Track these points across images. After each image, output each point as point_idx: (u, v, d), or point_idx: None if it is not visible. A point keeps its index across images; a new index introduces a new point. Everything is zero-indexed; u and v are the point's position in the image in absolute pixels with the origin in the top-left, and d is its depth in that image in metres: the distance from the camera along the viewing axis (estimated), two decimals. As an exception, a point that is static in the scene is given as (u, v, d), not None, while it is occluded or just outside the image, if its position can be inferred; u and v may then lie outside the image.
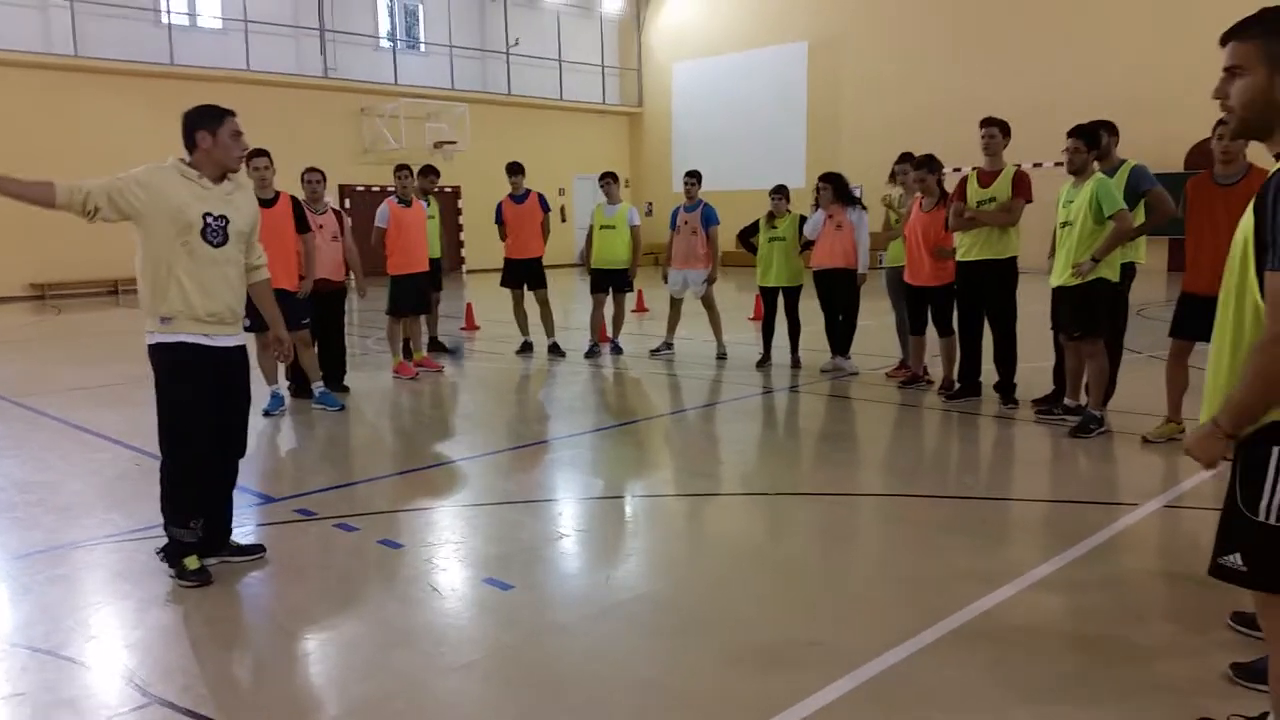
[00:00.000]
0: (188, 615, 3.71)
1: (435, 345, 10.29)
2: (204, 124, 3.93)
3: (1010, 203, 6.84)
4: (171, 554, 4.04)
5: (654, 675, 3.16)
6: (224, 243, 3.97)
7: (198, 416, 3.98)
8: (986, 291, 7.04)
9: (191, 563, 4.00)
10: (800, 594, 3.87)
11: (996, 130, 6.98)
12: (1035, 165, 7.52)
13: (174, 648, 3.43)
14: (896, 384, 8.13)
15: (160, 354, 3.97)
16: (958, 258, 7.13)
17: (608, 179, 10.12)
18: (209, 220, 3.92)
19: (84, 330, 14.20)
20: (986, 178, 6.97)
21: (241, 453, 4.29)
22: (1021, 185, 6.86)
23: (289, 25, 22.69)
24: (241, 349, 4.17)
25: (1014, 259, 6.98)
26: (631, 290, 10.37)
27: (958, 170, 9.13)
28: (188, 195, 3.88)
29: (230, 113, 4.02)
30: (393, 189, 9.23)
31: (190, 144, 3.94)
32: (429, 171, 10.18)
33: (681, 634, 3.47)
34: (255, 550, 4.31)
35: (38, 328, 14.60)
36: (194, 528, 4.02)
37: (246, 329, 7.32)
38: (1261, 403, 2.13)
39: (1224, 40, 2.20)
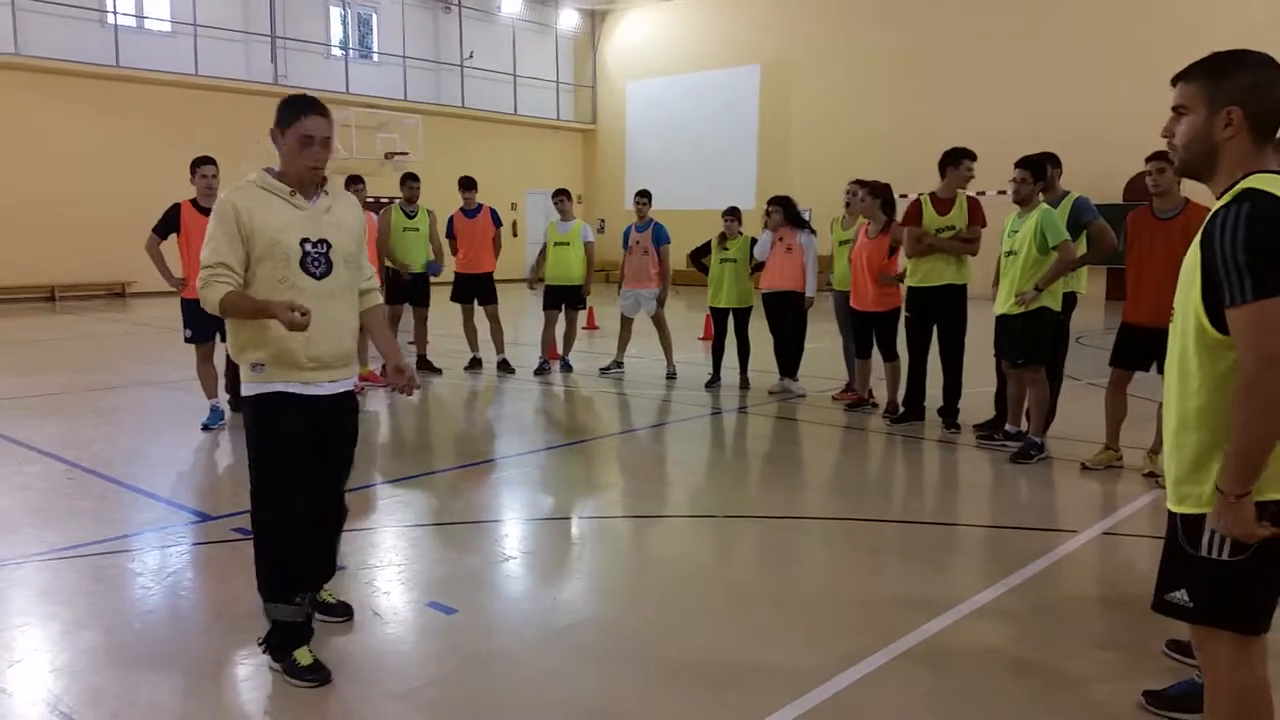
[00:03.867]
0: (118, 638, 3.59)
1: (424, 364, 10.00)
2: (278, 121, 3.24)
3: (971, 230, 6.97)
4: (277, 643, 3.32)
5: (599, 701, 3.13)
6: (329, 271, 3.27)
7: (294, 479, 3.30)
8: (939, 317, 7.14)
9: (303, 656, 3.28)
10: (746, 617, 3.87)
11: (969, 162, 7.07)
12: (979, 194, 7.65)
13: (103, 671, 3.32)
14: (843, 407, 8.21)
15: (250, 406, 3.32)
16: (910, 283, 7.22)
17: (561, 196, 10.11)
18: (307, 248, 3.22)
19: (18, 337, 13.79)
20: (943, 205, 7.08)
21: (342, 508, 3.66)
22: (975, 212, 7.00)
23: (239, 31, 22.37)
24: (348, 396, 3.47)
25: (964, 286, 7.10)
26: (585, 307, 10.37)
27: (904, 196, 9.25)
28: (283, 214, 3.20)
29: (310, 108, 3.22)
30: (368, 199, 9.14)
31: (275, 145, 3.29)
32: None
33: (627, 658, 3.45)
34: (343, 611, 3.76)
35: (-32, 333, 14.14)
36: (300, 603, 3.33)
37: (187, 340, 7.22)
38: (1261, 444, 2.06)
39: (1174, 81, 2.27)
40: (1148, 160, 5.69)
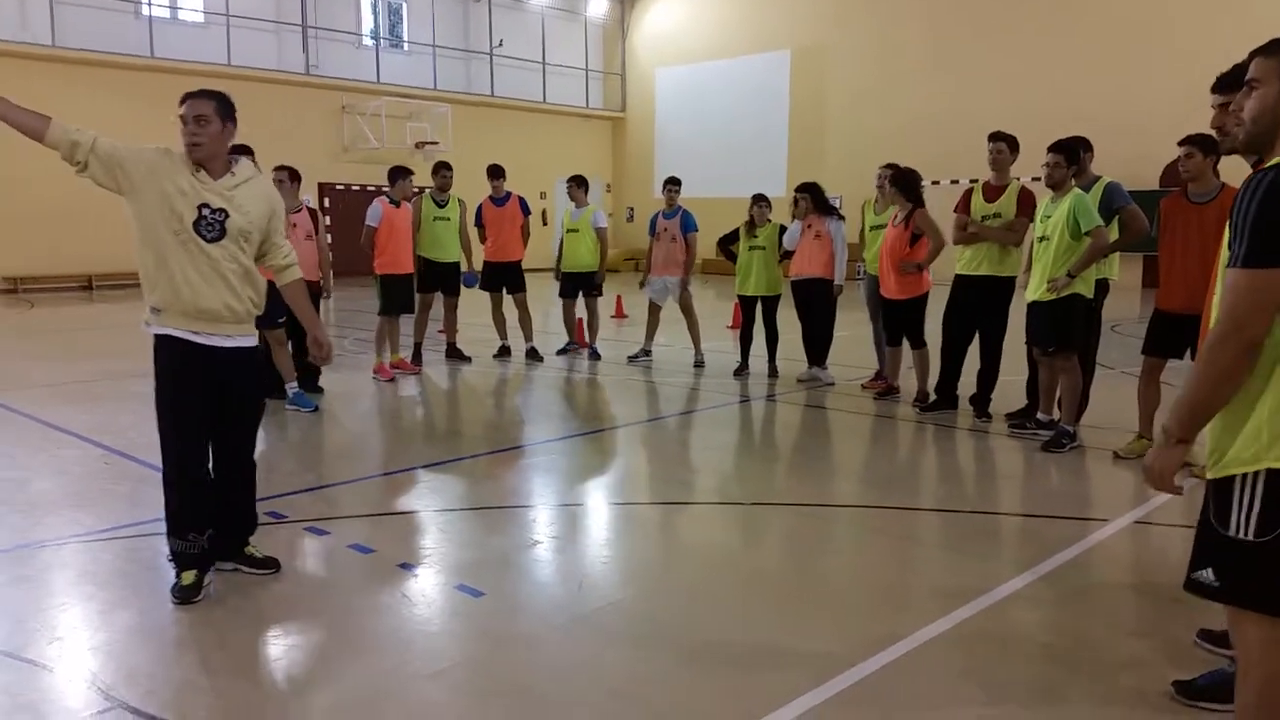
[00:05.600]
0: (153, 618, 3.65)
1: (454, 352, 10.12)
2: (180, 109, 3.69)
3: (1015, 221, 6.84)
4: (174, 562, 3.84)
5: (625, 685, 3.15)
6: (220, 238, 3.69)
7: (183, 417, 3.75)
8: (981, 307, 7.04)
9: (186, 577, 3.77)
10: (774, 603, 3.87)
11: (1004, 145, 6.93)
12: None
13: (138, 651, 3.38)
14: (872, 395, 8.16)
15: (154, 346, 3.77)
16: (956, 270, 7.15)
17: (573, 182, 10.19)
18: (204, 213, 3.66)
19: (57, 326, 14.03)
20: (992, 192, 6.98)
21: (246, 463, 4.06)
22: (1026, 204, 6.84)
23: (271, 21, 22.55)
24: (243, 351, 3.88)
25: (1013, 278, 6.97)
26: (601, 294, 10.42)
27: (936, 183, 9.16)
28: (185, 184, 3.64)
29: (187, 97, 3.71)
30: (384, 188, 9.19)
31: None
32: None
33: (653, 643, 3.46)
34: (269, 564, 4.08)
35: (9, 322, 14.40)
36: (192, 540, 3.77)
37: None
38: (1207, 403, 2.15)
39: (1251, 56, 2.29)
40: (1179, 144, 5.60)
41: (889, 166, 8.13)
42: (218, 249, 3.70)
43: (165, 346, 3.74)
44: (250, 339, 3.93)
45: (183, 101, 3.70)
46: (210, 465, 3.93)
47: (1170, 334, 5.70)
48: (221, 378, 3.81)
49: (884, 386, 8.18)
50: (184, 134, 3.66)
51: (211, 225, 3.68)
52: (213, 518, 3.89)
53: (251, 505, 4.15)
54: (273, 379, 7.73)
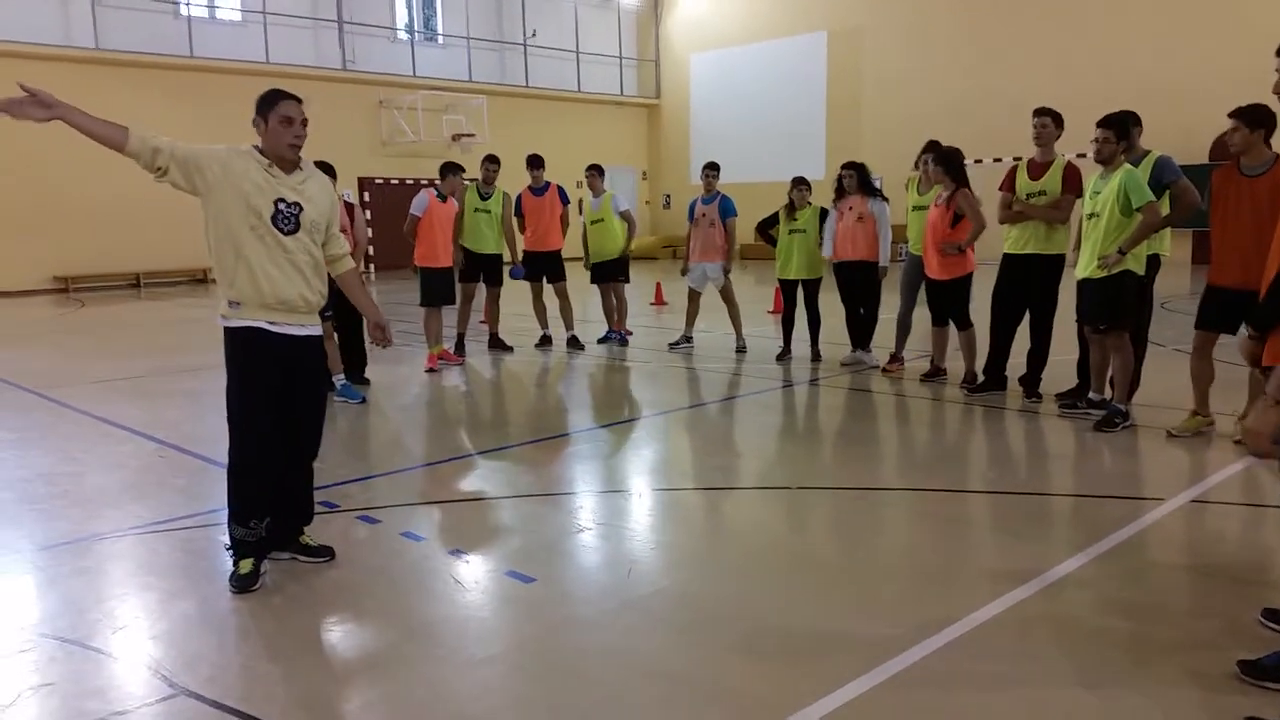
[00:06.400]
0: (212, 607, 3.72)
1: (496, 342, 10.15)
2: (258, 110, 3.81)
3: (1060, 199, 6.73)
4: (233, 549, 3.93)
5: (677, 669, 3.15)
6: (295, 230, 3.81)
7: (261, 407, 3.85)
8: (1030, 286, 6.93)
9: (244, 566, 3.87)
10: (823, 588, 3.85)
11: (1049, 120, 6.78)
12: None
13: (198, 639, 3.45)
14: (919, 377, 8.04)
15: (228, 338, 3.85)
16: (1004, 249, 7.05)
17: (592, 172, 10.23)
18: (281, 207, 3.77)
19: (107, 323, 14.31)
20: (1037, 169, 6.87)
21: (313, 450, 4.13)
22: (1072, 180, 6.71)
23: (308, 17, 22.75)
24: (314, 340, 4.00)
25: (1062, 256, 6.87)
26: (628, 280, 10.46)
27: (979, 162, 9.02)
28: (260, 180, 3.75)
29: (284, 97, 3.83)
30: (428, 180, 9.26)
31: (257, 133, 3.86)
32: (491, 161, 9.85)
33: (704, 628, 3.46)
34: (324, 552, 4.14)
35: (61, 321, 14.72)
36: (254, 527, 3.88)
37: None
38: None
39: None
40: (1229, 116, 5.46)
41: (931, 146, 8.00)
42: (293, 241, 3.81)
43: (243, 337, 3.81)
44: (318, 328, 4.04)
45: (276, 101, 3.79)
46: (290, 451, 4.02)
47: (1222, 309, 5.58)
48: (295, 366, 3.91)
49: (899, 370, 8.13)
50: (289, 134, 3.78)
51: (288, 219, 3.79)
52: (271, 506, 3.97)
53: (309, 494, 4.21)
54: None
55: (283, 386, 3.88)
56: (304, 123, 3.82)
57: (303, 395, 3.99)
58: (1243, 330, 3.05)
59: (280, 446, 3.95)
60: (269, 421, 3.87)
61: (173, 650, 3.34)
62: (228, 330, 3.83)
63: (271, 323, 3.81)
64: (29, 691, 3.05)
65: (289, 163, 3.85)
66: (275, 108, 3.78)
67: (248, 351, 3.82)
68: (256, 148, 3.84)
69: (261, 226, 3.74)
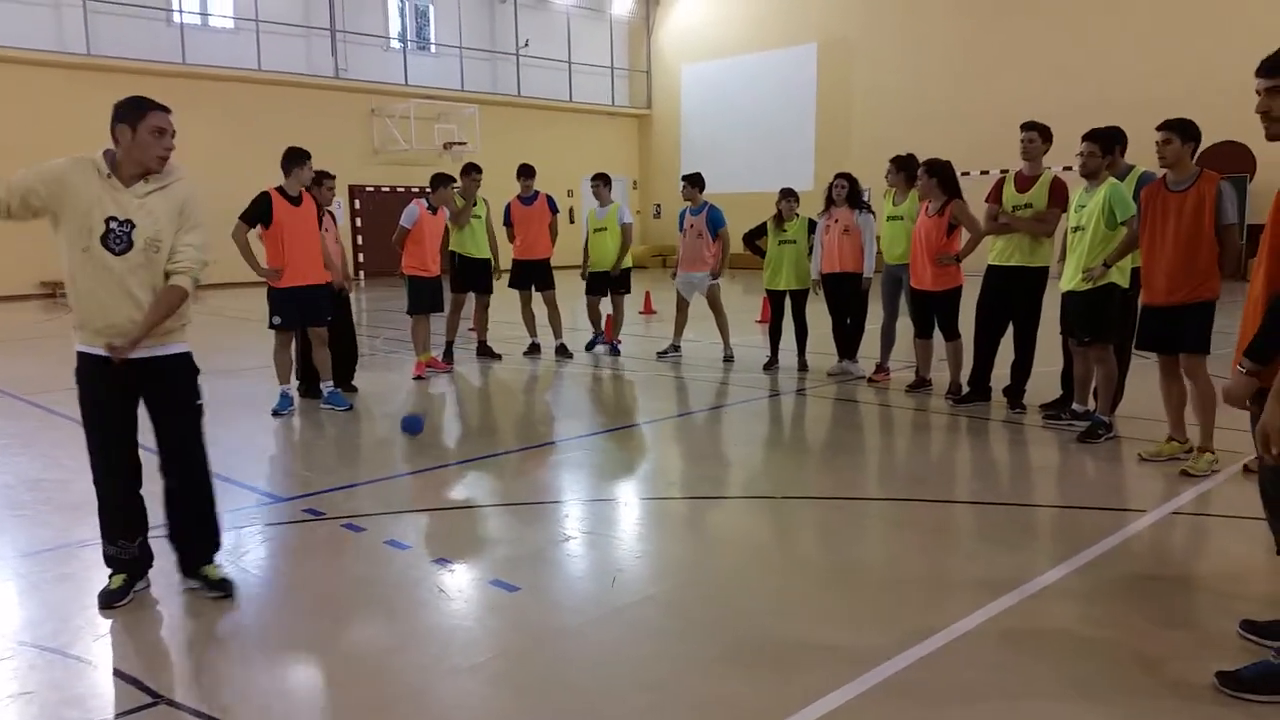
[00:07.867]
0: (196, 616, 3.71)
1: (484, 350, 10.18)
2: (123, 118, 3.55)
3: (1046, 212, 6.78)
4: (108, 564, 3.82)
5: (662, 678, 3.15)
6: (127, 249, 3.54)
7: (99, 432, 3.71)
8: (1014, 298, 6.98)
9: (114, 581, 3.75)
10: (808, 597, 3.86)
11: (1036, 135, 6.84)
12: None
13: (181, 647, 3.44)
14: (905, 388, 8.09)
15: (77, 359, 3.70)
16: (988, 261, 7.10)
17: (597, 181, 10.24)
18: (112, 225, 3.51)
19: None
20: (1024, 182, 6.92)
21: (193, 477, 3.86)
22: (1058, 194, 6.77)
23: (300, 25, 22.77)
24: (161, 361, 3.70)
25: (1045, 268, 6.92)
26: (629, 291, 10.46)
27: (966, 174, 9.08)
28: (97, 193, 3.50)
29: (155, 106, 3.60)
30: (419, 189, 9.29)
31: (112, 138, 3.59)
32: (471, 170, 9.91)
33: (689, 636, 3.47)
34: (223, 587, 3.84)
35: (48, 326, 14.66)
36: (122, 546, 3.76)
37: (273, 326, 7.33)
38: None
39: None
40: (1157, 129, 5.38)
41: (896, 160, 8.19)
42: (122, 262, 3.56)
43: (81, 362, 3.70)
44: (168, 347, 3.74)
45: (148, 110, 3.59)
46: (164, 477, 3.86)
47: (1159, 327, 5.49)
48: (139, 391, 3.73)
49: (885, 379, 8.17)
50: (159, 146, 3.58)
51: (119, 238, 3.55)
52: (144, 526, 3.85)
53: (208, 524, 3.94)
54: (310, 379, 7.83)
55: (126, 411, 3.72)
56: (173, 134, 3.61)
57: (159, 420, 3.80)
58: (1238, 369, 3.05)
59: (129, 469, 3.80)
60: (109, 444, 3.73)
61: (154, 658, 3.34)
62: (77, 352, 3.70)
63: (109, 348, 3.57)
64: (8, 699, 3.04)
65: (139, 175, 3.59)
66: (147, 118, 3.55)
67: (85, 376, 3.70)
68: (108, 153, 3.59)
69: (94, 247, 3.51)
